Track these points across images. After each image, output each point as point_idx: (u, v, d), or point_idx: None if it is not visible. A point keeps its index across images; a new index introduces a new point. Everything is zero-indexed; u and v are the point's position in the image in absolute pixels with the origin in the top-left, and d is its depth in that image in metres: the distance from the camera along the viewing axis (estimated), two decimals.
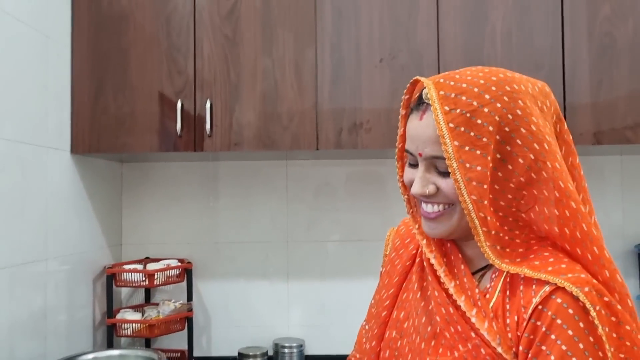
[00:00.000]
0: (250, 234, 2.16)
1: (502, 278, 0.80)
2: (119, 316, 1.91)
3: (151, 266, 1.96)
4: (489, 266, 0.83)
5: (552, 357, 0.72)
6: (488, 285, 0.82)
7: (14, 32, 1.48)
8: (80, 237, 1.84)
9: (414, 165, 0.85)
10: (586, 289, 0.73)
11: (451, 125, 0.77)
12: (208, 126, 1.74)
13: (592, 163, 2.11)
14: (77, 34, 1.78)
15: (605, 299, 0.74)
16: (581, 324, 0.72)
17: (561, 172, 0.78)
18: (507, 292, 0.79)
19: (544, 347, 0.73)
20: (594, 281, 0.75)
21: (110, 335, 1.89)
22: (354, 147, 1.75)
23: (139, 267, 1.95)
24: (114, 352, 1.59)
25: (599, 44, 1.73)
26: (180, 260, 2.03)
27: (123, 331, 1.90)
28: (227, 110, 1.76)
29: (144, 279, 1.91)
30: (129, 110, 1.76)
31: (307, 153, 1.89)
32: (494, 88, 0.78)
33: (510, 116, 0.77)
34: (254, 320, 2.13)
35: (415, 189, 0.82)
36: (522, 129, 0.77)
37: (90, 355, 1.54)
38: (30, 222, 1.54)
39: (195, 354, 2.05)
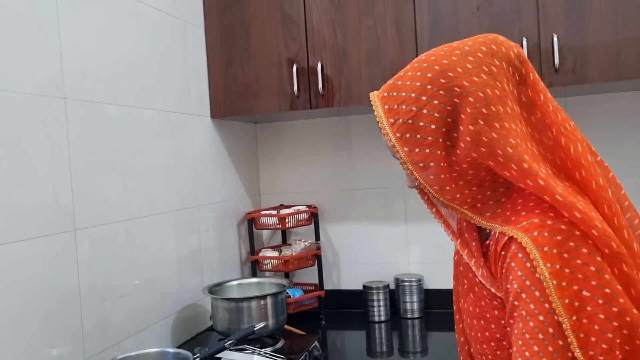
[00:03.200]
0: (370, 182, 2.37)
1: (493, 233, 0.93)
2: (260, 254, 2.26)
3: (284, 212, 2.26)
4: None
5: (511, 298, 0.84)
6: (491, 239, 0.94)
7: (157, 20, 1.81)
8: (224, 188, 2.19)
9: None
10: (535, 233, 0.83)
11: (398, 134, 0.89)
12: (320, 86, 1.96)
13: None
14: (208, 15, 2.09)
15: (558, 237, 0.81)
16: (527, 264, 0.82)
17: (507, 136, 0.85)
18: (493, 244, 0.91)
19: (508, 286, 0.85)
20: (552, 224, 0.83)
21: (254, 270, 2.25)
22: None
23: (274, 212, 2.27)
24: (254, 279, 1.92)
25: None
26: (308, 206, 2.32)
27: (264, 266, 2.24)
28: (337, 70, 1.96)
29: (277, 222, 2.22)
30: (254, 77, 2.04)
31: None
32: (429, 87, 0.88)
33: (449, 107, 0.87)
34: (377, 259, 2.36)
35: (407, 185, 1.01)
36: (462, 115, 0.86)
37: (236, 282, 1.89)
38: (183, 176, 1.90)
39: (326, 287, 2.34)
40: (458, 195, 0.91)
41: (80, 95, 1.43)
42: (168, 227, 1.79)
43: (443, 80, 0.87)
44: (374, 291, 2.22)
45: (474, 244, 0.97)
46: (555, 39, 1.76)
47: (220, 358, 1.56)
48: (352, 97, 1.96)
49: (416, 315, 2.22)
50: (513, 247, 0.85)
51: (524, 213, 0.87)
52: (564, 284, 0.80)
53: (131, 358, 1.32)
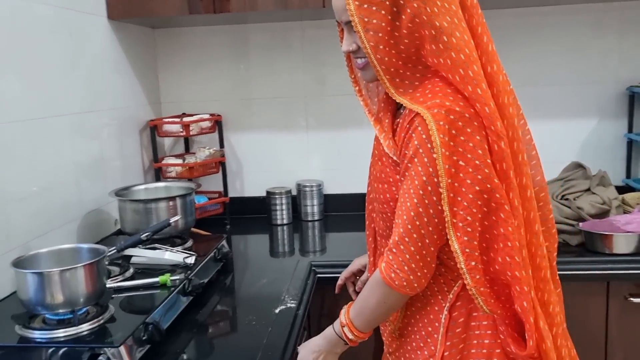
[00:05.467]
0: (272, 91, 2.41)
1: (403, 115, 1.10)
2: (163, 162, 2.26)
3: (187, 119, 2.25)
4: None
5: (405, 161, 1.06)
6: (402, 116, 1.11)
7: None
8: (125, 95, 2.13)
9: (342, 32, 1.13)
10: (435, 110, 1.00)
11: None
12: None
13: (592, 10, 2.21)
14: None
15: (451, 117, 1.00)
16: (423, 136, 1.02)
17: (444, 14, 1.01)
18: (402, 121, 1.09)
19: (406, 152, 1.05)
20: (449, 105, 1.01)
21: (157, 178, 2.25)
22: None
23: (177, 120, 2.25)
24: (160, 184, 1.94)
25: None
26: (211, 115, 2.32)
27: (168, 174, 2.25)
28: None
29: (181, 129, 2.22)
30: None
31: (317, 12, 2.06)
32: None
33: None
34: (279, 166, 2.45)
35: (343, 48, 1.12)
36: None
37: (142, 186, 1.89)
38: (81, 79, 1.82)
39: (230, 194, 2.41)
40: (386, 59, 1.04)
41: None
42: (66, 131, 1.73)
43: None
44: (277, 196, 2.33)
45: (387, 121, 1.13)
46: None
47: (132, 256, 1.60)
48: (257, 3, 1.94)
49: (316, 218, 2.37)
50: (416, 121, 1.03)
51: (430, 95, 1.04)
52: (447, 153, 1.00)
53: (43, 254, 1.31)
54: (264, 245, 2.22)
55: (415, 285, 1.09)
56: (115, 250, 1.44)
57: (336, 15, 1.12)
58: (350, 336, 1.19)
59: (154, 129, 2.23)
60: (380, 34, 1.04)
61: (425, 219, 1.04)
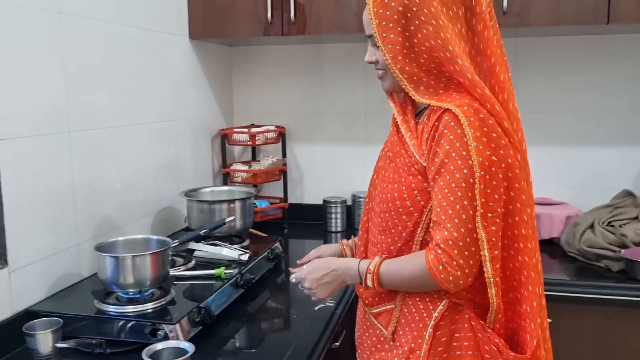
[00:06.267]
0: (335, 107, 2.58)
1: (427, 110, 1.18)
2: (231, 168, 2.48)
3: (254, 130, 2.47)
4: (427, 107, 1.20)
5: (440, 153, 1.10)
6: (422, 119, 1.20)
7: None
8: (200, 106, 2.38)
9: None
10: (465, 108, 1.09)
11: (375, 9, 1.16)
12: (292, 14, 2.12)
13: None
14: None
15: (480, 115, 1.09)
16: (458, 130, 1.09)
17: (448, 41, 1.11)
18: (426, 118, 1.17)
19: (437, 149, 1.11)
20: (477, 105, 1.10)
21: (225, 182, 2.48)
22: None
23: (245, 130, 2.47)
24: (225, 187, 2.16)
25: None
26: (277, 126, 2.53)
27: (234, 179, 2.47)
28: (308, 0, 2.12)
29: (248, 139, 2.44)
30: (231, 2, 2.18)
31: None
32: None
33: (417, 0, 1.13)
34: (337, 177, 2.62)
35: (365, 59, 1.26)
36: (421, 17, 1.13)
37: (209, 189, 2.12)
38: (162, 92, 2.08)
39: (290, 200, 2.60)
40: (407, 68, 1.16)
41: (73, 9, 1.58)
42: (148, 137, 1.99)
43: None
44: (333, 205, 2.49)
45: (412, 122, 1.23)
46: None
47: (195, 250, 1.82)
48: (321, 27, 2.13)
49: None
50: (446, 117, 1.11)
51: (457, 97, 1.14)
52: (480, 147, 1.07)
53: (119, 242, 1.55)
54: None
55: (461, 282, 1.09)
56: (178, 243, 1.65)
57: (365, 29, 1.23)
58: (369, 283, 1.20)
59: (224, 137, 2.47)
60: (397, 47, 1.15)
61: (471, 212, 1.07)
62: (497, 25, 1.19)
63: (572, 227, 2.12)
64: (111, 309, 1.41)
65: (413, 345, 1.20)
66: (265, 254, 1.90)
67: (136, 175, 1.92)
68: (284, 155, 2.55)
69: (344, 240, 1.50)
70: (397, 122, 1.26)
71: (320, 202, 2.55)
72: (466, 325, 1.18)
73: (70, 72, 1.58)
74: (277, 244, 2.00)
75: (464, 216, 1.07)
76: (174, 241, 1.59)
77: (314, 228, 2.57)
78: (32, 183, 1.45)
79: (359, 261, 1.24)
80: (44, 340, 1.32)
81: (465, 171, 1.07)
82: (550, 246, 2.20)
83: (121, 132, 1.82)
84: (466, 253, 1.08)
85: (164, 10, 2.07)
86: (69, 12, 1.56)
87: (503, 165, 1.09)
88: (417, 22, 1.13)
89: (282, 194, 2.55)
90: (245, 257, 1.75)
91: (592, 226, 2.05)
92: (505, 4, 1.95)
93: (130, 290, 1.43)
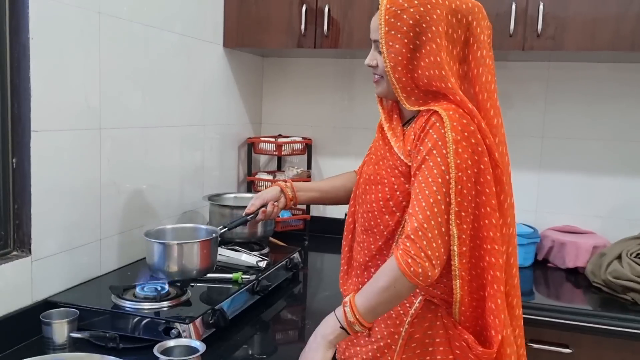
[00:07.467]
0: (360, 122, 2.59)
1: (416, 117, 1.23)
2: (256, 177, 2.50)
3: (281, 140, 2.49)
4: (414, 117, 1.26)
5: (423, 151, 1.16)
6: (411, 125, 1.26)
7: None
8: (229, 113, 2.41)
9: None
10: (451, 112, 1.15)
11: (386, 17, 1.19)
12: (326, 27, 2.15)
13: None
14: None
15: (464, 121, 1.16)
16: (442, 130, 1.15)
17: (445, 61, 1.19)
18: (414, 123, 1.23)
19: (421, 147, 1.17)
20: (460, 111, 1.17)
21: (249, 190, 2.50)
22: None
23: (272, 139, 2.49)
24: (248, 194, 2.17)
25: None
26: (304, 138, 2.54)
27: (258, 187, 2.49)
28: (342, 14, 2.14)
29: (274, 148, 2.45)
30: (266, 13, 2.22)
31: None
32: (416, 2, 1.19)
33: (427, 17, 1.19)
34: None
35: (365, 61, 1.30)
36: (428, 34, 1.18)
37: (232, 195, 2.13)
38: (193, 97, 2.11)
39: (312, 213, 2.60)
40: (403, 79, 1.21)
41: (112, 10, 1.63)
42: (177, 141, 2.02)
43: (433, 0, 1.19)
44: None
45: (399, 128, 1.29)
46: (541, 6, 1.94)
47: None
48: (353, 41, 2.15)
49: None
50: (433, 118, 1.17)
51: (444, 105, 1.20)
52: (460, 150, 1.14)
53: (168, 230, 1.58)
54: (336, 263, 2.36)
55: (429, 274, 1.10)
56: (226, 229, 1.58)
57: (370, 33, 1.28)
58: (350, 317, 1.16)
59: (251, 146, 2.49)
60: (400, 58, 1.20)
61: (443, 207, 1.12)
62: (492, 56, 1.26)
63: (598, 257, 2.07)
64: (127, 304, 1.42)
65: (389, 340, 1.26)
66: (284, 262, 1.90)
67: (162, 177, 1.95)
68: (309, 167, 2.56)
69: (280, 182, 1.58)
70: (383, 127, 1.32)
71: (342, 217, 2.54)
72: (439, 322, 1.24)
73: (104, 69, 1.62)
74: (296, 254, 2.00)
75: (435, 209, 1.12)
76: (221, 228, 1.57)
77: (335, 242, 2.52)
78: (60, 176, 1.49)
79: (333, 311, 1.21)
80: (60, 329, 1.34)
81: (443, 168, 1.13)
82: (574, 275, 2.15)
83: (151, 133, 1.86)
84: (434, 245, 1.12)
85: (200, 18, 2.11)
86: (108, 13, 1.61)
87: (476, 170, 1.16)
88: (424, 38, 1.18)
89: (305, 206, 2.55)
90: (263, 264, 1.76)
91: (619, 257, 2.00)
92: (540, 26, 1.94)
93: (176, 277, 1.47)
